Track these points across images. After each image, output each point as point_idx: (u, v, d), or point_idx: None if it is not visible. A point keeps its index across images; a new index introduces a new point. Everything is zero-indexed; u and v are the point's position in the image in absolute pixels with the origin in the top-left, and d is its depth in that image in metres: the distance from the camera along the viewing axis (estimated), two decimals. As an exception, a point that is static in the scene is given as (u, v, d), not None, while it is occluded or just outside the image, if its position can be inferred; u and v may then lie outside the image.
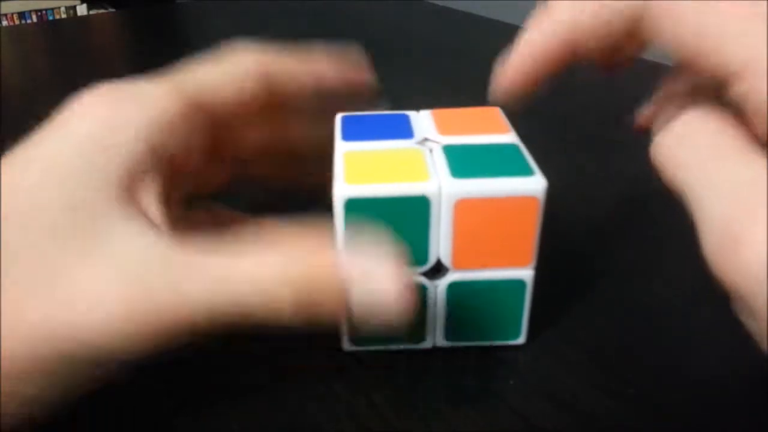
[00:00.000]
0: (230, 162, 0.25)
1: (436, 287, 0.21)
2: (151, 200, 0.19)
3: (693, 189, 0.15)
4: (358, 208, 0.20)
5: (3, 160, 0.19)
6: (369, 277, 0.17)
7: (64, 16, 1.52)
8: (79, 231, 0.17)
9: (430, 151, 0.22)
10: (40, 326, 0.17)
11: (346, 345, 0.23)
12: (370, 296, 0.17)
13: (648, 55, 0.24)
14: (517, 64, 0.19)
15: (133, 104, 0.20)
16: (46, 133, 0.19)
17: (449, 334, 0.22)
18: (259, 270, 0.18)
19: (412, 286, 0.18)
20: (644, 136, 0.22)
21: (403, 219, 0.20)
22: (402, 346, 0.23)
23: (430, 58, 0.54)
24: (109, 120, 0.19)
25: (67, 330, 0.17)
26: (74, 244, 0.17)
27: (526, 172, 0.20)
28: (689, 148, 0.15)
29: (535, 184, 0.20)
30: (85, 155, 0.19)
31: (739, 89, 0.15)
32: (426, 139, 0.23)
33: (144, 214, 0.19)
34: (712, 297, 0.25)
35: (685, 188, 0.15)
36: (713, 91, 0.16)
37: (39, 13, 1.51)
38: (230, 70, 0.22)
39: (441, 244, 0.21)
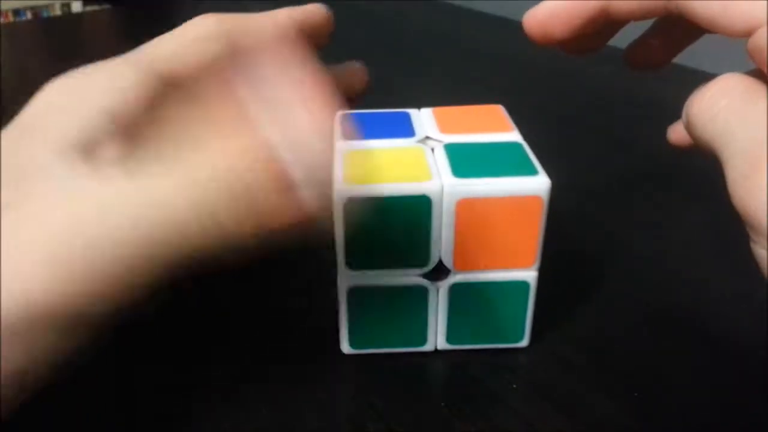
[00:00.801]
0: None
1: (437, 289, 0.21)
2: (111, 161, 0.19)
3: (726, 131, 0.16)
4: (358, 208, 0.19)
5: None
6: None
7: (59, 13, 1.51)
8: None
9: (432, 149, 0.21)
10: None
11: (346, 348, 0.22)
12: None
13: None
14: (553, 4, 0.20)
15: (94, 77, 0.21)
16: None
17: (451, 336, 0.22)
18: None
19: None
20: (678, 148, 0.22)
21: (403, 219, 0.20)
22: (403, 349, 0.22)
23: (431, 56, 0.53)
24: (70, 91, 0.20)
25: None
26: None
27: (530, 171, 0.20)
28: (726, 96, 0.17)
29: (539, 184, 0.20)
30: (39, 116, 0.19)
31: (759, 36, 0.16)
32: (427, 138, 0.22)
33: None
34: (716, 298, 0.25)
35: (719, 133, 0.16)
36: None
37: (34, 11, 1.51)
38: (191, 35, 0.23)
39: (443, 245, 0.20)
